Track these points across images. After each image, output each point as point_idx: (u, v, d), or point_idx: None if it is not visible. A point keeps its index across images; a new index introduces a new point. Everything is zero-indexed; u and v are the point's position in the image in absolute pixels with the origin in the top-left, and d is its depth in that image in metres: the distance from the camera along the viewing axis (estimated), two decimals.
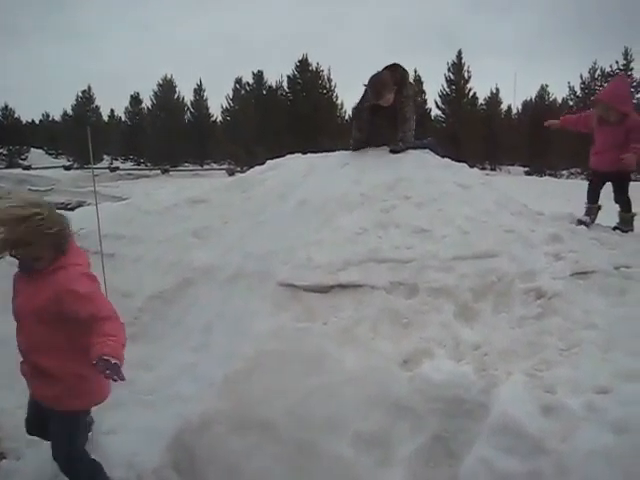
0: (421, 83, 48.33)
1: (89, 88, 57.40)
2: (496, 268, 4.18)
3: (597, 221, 5.61)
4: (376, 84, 5.43)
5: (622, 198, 5.55)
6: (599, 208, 5.65)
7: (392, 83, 5.42)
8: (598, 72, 43.59)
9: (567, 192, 9.36)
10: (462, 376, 3.37)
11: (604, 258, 4.41)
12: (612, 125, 5.33)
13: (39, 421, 3.39)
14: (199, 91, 55.29)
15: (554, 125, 6.17)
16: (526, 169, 45.80)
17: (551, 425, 2.94)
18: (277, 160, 6.40)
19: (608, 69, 41.61)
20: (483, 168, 41.30)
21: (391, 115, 5.49)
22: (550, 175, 41.21)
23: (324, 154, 6.11)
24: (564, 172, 40.11)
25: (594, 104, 5.65)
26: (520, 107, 52.74)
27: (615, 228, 5.42)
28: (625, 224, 5.45)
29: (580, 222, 5.27)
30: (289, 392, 3.52)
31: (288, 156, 6.44)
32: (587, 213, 5.55)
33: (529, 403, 3.07)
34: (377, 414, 3.37)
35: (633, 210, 5.54)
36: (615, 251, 4.58)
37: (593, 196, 5.68)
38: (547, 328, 3.71)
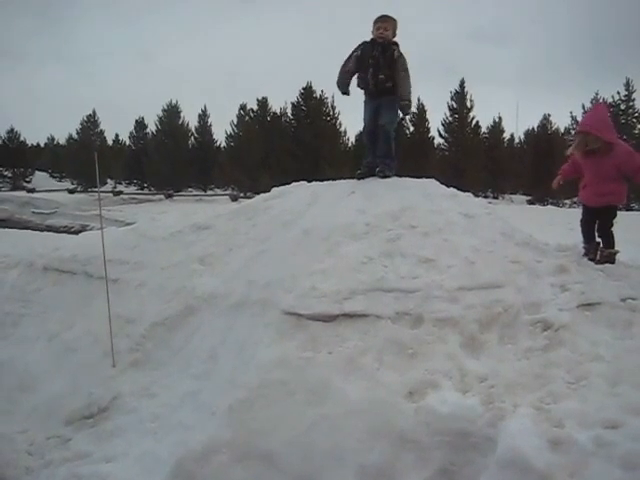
0: (424, 112, 48.66)
1: (94, 113, 57.82)
2: (502, 299, 4.16)
3: None
4: (379, 17, 5.97)
5: (607, 232, 5.23)
6: (598, 244, 5.31)
7: (395, 27, 5.97)
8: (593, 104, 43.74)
9: (570, 221, 9.33)
10: (468, 408, 3.33)
11: (610, 290, 4.38)
12: (597, 156, 5.01)
13: None
14: (203, 117, 55.61)
15: (558, 182, 5.65)
16: (528, 198, 45.83)
17: (559, 460, 2.90)
18: (282, 188, 6.41)
19: (610, 99, 41.88)
20: (486, 196, 41.37)
21: (389, 61, 5.85)
22: (552, 204, 41.27)
23: (329, 182, 6.12)
24: (567, 201, 40.11)
25: (577, 136, 5.34)
26: (522, 136, 52.99)
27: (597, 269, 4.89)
28: (606, 263, 5.00)
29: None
30: (292, 422, 3.49)
31: (293, 184, 6.44)
32: (586, 253, 5.21)
33: (537, 437, 3.03)
34: (381, 446, 3.33)
35: (616, 247, 5.20)
36: (621, 282, 4.55)
37: (588, 234, 5.37)
38: (554, 360, 3.68)
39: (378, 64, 5.85)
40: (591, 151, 5.04)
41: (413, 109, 47.71)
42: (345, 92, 6.11)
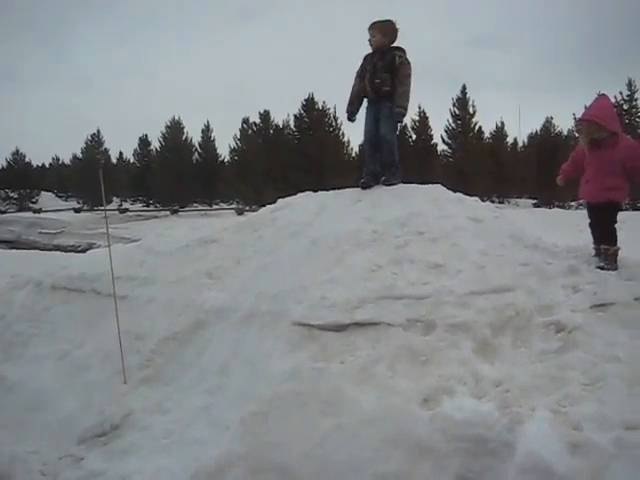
0: (426, 118, 48.73)
1: (98, 132, 58.23)
2: (514, 302, 4.12)
3: None
4: (372, 23, 6.00)
5: (610, 230, 5.05)
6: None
7: (388, 29, 5.98)
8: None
9: (578, 223, 9.27)
10: (485, 414, 3.29)
11: (623, 289, 4.32)
12: (602, 149, 4.90)
13: None
14: (207, 132, 55.82)
15: (561, 181, 5.51)
16: (534, 201, 45.76)
17: (580, 463, 2.86)
18: (288, 199, 6.40)
19: (612, 100, 41.69)
20: (491, 201, 41.21)
21: (388, 64, 5.88)
22: (559, 206, 41.16)
23: (335, 192, 6.11)
24: (573, 203, 39.96)
25: (579, 126, 5.18)
26: (526, 140, 52.87)
27: (599, 268, 4.78)
28: (610, 262, 4.85)
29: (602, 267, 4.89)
30: (306, 434, 3.45)
31: (299, 195, 6.43)
32: (597, 254, 5.01)
33: (556, 441, 2.99)
34: (398, 455, 3.29)
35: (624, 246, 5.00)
36: (634, 282, 4.49)
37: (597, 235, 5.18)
38: (569, 362, 3.63)
39: (375, 69, 5.90)
40: (595, 143, 4.94)
41: (415, 116, 48.23)
42: (350, 118, 6.20)
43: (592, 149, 5.00)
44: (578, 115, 5.35)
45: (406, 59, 5.84)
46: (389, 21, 6.01)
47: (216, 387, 4.23)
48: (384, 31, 5.94)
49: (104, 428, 4.26)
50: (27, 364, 5.35)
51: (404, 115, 5.87)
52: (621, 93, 41.64)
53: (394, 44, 5.99)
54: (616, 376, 3.43)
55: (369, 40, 5.99)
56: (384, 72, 5.84)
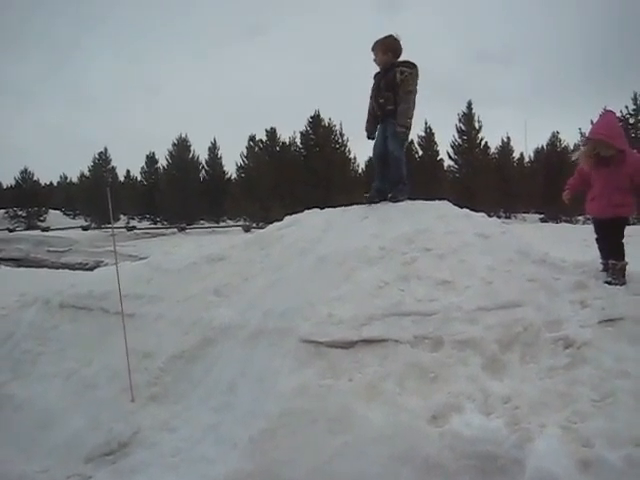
0: (432, 134, 48.86)
1: (105, 150, 58.51)
2: (522, 318, 4.11)
3: None
4: (375, 43, 6.03)
5: (618, 245, 5.01)
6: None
7: (389, 46, 5.98)
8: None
9: (585, 237, 9.26)
10: (494, 431, 3.27)
11: (632, 304, 4.31)
12: (610, 166, 4.85)
13: None
14: (213, 149, 56.13)
15: (568, 196, 5.41)
16: (541, 216, 45.71)
17: None
18: (295, 216, 6.42)
19: (618, 114, 41.75)
20: (498, 217, 41.21)
21: (390, 83, 5.89)
22: (566, 221, 41.08)
23: (342, 208, 6.12)
24: (580, 217, 39.88)
25: (587, 144, 5.08)
26: (532, 155, 52.88)
27: (607, 283, 4.76)
28: (618, 276, 4.82)
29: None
30: (315, 452, 3.44)
31: (306, 211, 6.45)
32: (604, 269, 5.00)
33: (566, 458, 2.97)
34: (406, 473, 3.27)
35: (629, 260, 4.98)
36: None
37: (605, 250, 5.15)
38: (578, 378, 3.61)
39: (379, 88, 5.96)
40: (603, 160, 4.90)
41: (421, 132, 48.38)
42: (369, 137, 6.24)
43: (598, 166, 4.96)
44: (585, 131, 5.35)
45: (410, 73, 5.82)
46: (389, 37, 6.04)
47: (224, 405, 4.22)
48: (384, 48, 5.97)
49: (112, 447, 4.24)
50: (35, 382, 5.36)
51: (406, 133, 5.89)
52: (627, 107, 41.70)
53: (401, 58, 6.00)
54: (626, 392, 3.42)
55: (374, 60, 6.05)
56: (386, 91, 5.89)
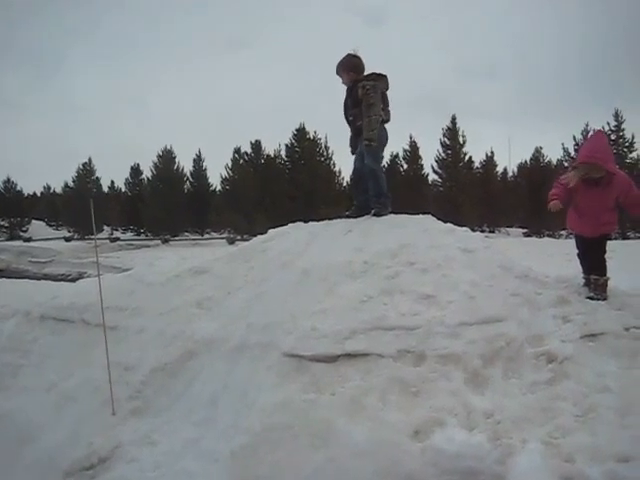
0: (417, 148, 49.12)
1: (90, 160, 58.13)
2: (504, 333, 4.12)
3: None
4: (337, 66, 6.14)
5: (599, 259, 5.10)
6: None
7: (348, 65, 6.08)
8: (591, 133, 43.94)
9: (568, 252, 9.33)
10: (476, 446, 3.27)
11: (613, 319, 4.35)
12: (599, 186, 4.89)
13: None
14: (198, 161, 55.96)
15: (558, 207, 5.14)
16: (525, 230, 45.98)
17: None
18: (279, 229, 6.41)
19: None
20: (482, 231, 41.41)
21: (354, 99, 5.96)
22: (549, 236, 41.35)
23: (325, 222, 6.14)
24: (563, 232, 40.19)
25: (578, 166, 5.02)
26: (516, 169, 53.27)
27: (589, 298, 4.84)
28: (600, 292, 4.90)
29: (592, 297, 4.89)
30: (297, 467, 3.42)
31: (290, 225, 6.44)
32: (586, 284, 5.05)
33: (547, 473, 2.98)
34: None
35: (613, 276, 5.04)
36: (623, 312, 4.52)
37: (587, 265, 5.22)
38: (560, 393, 3.63)
39: (346, 106, 6.08)
40: (592, 181, 4.92)
41: (406, 146, 48.61)
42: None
43: (588, 187, 4.97)
44: (568, 147, 5.41)
45: (372, 86, 5.81)
46: (347, 56, 6.12)
47: (206, 419, 4.18)
48: (344, 68, 6.07)
49: (92, 461, 4.19)
50: (15, 395, 5.29)
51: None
52: (608, 124, 42.21)
53: (365, 72, 6.05)
54: (607, 407, 3.44)
55: (343, 83, 6.13)
56: (353, 108, 5.97)
